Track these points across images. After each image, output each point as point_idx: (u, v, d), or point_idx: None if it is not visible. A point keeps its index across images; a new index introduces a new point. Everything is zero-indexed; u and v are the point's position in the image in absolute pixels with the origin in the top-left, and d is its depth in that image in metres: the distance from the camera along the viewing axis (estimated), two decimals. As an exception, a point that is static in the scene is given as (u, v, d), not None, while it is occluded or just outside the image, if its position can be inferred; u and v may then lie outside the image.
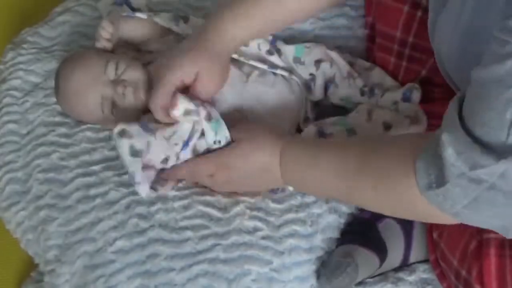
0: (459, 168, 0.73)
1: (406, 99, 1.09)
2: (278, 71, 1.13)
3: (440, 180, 0.77)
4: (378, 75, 1.14)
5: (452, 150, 0.74)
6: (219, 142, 1.03)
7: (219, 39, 1.05)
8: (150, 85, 1.08)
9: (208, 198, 1.05)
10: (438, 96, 1.09)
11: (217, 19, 1.06)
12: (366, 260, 1.02)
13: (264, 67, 1.12)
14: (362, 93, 1.13)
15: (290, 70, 1.14)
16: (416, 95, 1.08)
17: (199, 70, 1.03)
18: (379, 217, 1.05)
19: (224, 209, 1.04)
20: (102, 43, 1.13)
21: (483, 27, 0.77)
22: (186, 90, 1.05)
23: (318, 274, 1.02)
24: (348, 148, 0.94)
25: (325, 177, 0.94)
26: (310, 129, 1.10)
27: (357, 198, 0.94)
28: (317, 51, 1.16)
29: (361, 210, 1.08)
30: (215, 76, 1.06)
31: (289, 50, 1.16)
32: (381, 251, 1.04)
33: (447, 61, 0.92)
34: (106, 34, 1.13)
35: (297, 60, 1.15)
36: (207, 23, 1.07)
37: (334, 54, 1.15)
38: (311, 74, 1.14)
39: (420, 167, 0.80)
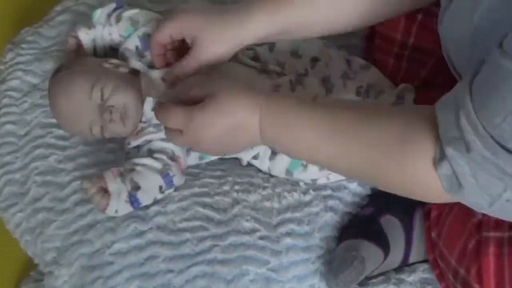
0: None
1: (400, 100, 1.08)
2: (270, 67, 1.12)
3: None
4: (374, 74, 1.13)
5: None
6: None
7: (240, 24, 0.98)
8: (139, 110, 1.06)
9: (206, 199, 1.05)
10: (437, 96, 1.09)
11: (248, 6, 0.99)
12: (371, 253, 1.01)
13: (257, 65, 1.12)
14: (358, 94, 1.12)
15: (282, 65, 1.13)
16: (410, 96, 1.08)
17: (197, 33, 0.97)
18: (379, 212, 1.05)
19: (223, 210, 1.04)
20: None
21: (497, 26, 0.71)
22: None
23: (325, 272, 1.02)
24: (339, 110, 0.85)
25: (311, 139, 0.85)
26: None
27: (343, 166, 0.87)
28: (314, 47, 1.15)
29: (361, 208, 1.08)
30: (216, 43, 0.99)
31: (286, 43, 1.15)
32: (384, 244, 1.04)
33: (454, 57, 0.88)
34: None
35: (294, 52, 1.13)
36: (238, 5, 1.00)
37: (332, 52, 1.15)
38: (305, 70, 1.13)
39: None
